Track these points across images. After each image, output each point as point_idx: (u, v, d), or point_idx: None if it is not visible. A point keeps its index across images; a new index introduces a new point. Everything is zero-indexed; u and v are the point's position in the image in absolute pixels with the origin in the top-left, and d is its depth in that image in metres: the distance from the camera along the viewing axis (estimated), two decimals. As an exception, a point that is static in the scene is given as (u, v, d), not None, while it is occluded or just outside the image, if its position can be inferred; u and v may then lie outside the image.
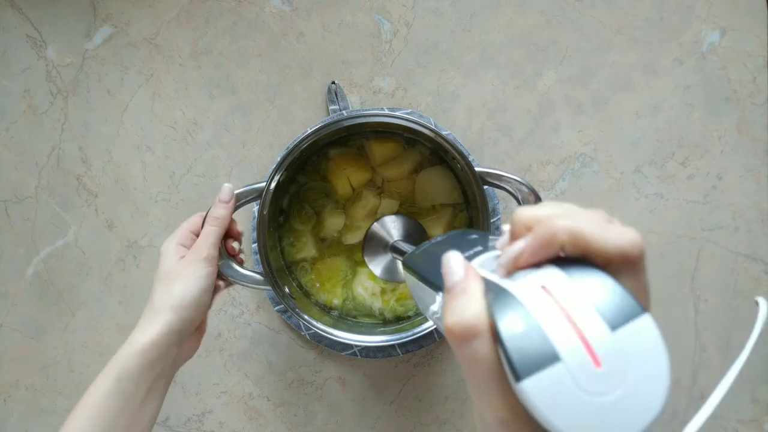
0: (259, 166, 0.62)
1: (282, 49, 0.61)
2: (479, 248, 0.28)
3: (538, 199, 0.48)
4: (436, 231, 0.57)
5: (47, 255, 0.63)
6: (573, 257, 0.23)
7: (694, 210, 0.59)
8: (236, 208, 0.48)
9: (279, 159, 0.51)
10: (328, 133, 0.52)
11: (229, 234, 0.48)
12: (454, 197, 0.58)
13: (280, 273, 0.56)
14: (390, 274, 0.56)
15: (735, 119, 0.59)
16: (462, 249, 0.27)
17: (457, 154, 0.51)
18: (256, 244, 0.54)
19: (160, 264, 0.45)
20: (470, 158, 0.53)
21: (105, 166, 0.63)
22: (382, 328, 0.57)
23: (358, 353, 0.59)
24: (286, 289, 0.55)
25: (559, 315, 0.21)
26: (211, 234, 0.46)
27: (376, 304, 0.58)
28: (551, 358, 0.20)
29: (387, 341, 0.54)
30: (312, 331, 0.59)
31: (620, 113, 0.59)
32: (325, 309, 0.59)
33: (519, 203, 0.48)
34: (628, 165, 0.59)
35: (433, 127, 0.51)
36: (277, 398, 0.62)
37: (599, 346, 0.20)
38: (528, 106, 0.60)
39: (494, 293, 0.22)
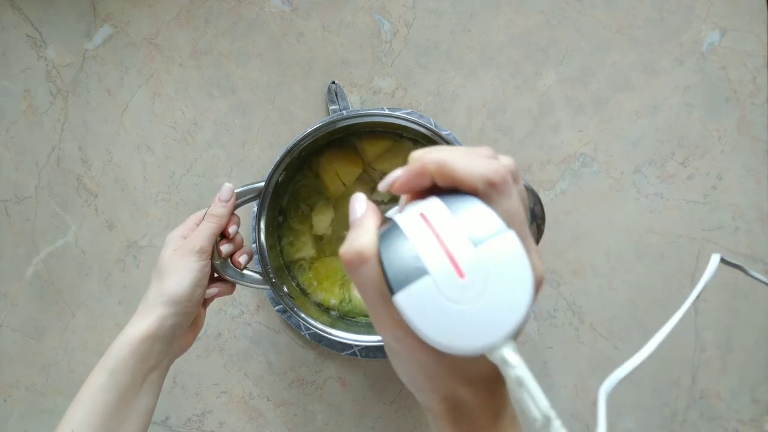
0: (259, 166, 0.62)
1: (282, 49, 0.61)
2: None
3: (537, 199, 0.48)
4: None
5: (47, 255, 0.63)
6: (452, 189, 0.25)
7: (694, 210, 0.59)
8: (236, 207, 0.49)
9: (278, 158, 0.51)
10: (327, 132, 0.52)
11: (223, 234, 0.48)
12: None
13: (280, 272, 0.56)
14: None
15: (735, 119, 0.59)
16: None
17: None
18: (255, 244, 0.54)
19: (160, 254, 0.46)
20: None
21: (105, 166, 0.63)
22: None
23: (357, 353, 0.59)
24: (285, 289, 0.55)
25: (430, 236, 0.23)
26: (207, 229, 0.46)
27: None
28: (420, 272, 0.22)
29: (387, 341, 0.54)
30: (312, 331, 0.59)
31: (620, 113, 0.59)
32: (323, 308, 0.59)
33: None
34: (628, 165, 0.59)
35: (432, 127, 0.51)
36: (277, 398, 0.62)
37: (463, 260, 0.22)
38: (528, 106, 0.60)
39: (386, 226, 0.25)
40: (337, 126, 0.52)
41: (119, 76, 0.62)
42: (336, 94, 0.59)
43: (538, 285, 0.25)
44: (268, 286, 0.51)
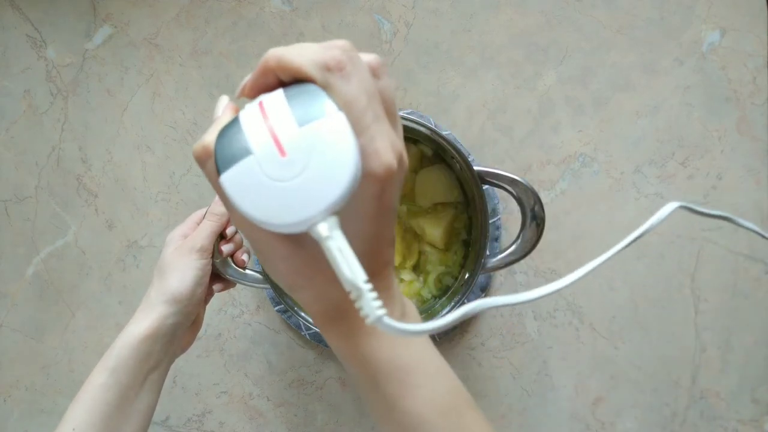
0: (259, 166, 0.62)
1: (282, 49, 0.61)
2: None
3: (537, 199, 0.48)
4: (437, 231, 0.57)
5: (47, 255, 0.63)
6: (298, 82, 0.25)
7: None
8: None
9: None
10: None
11: (222, 235, 0.48)
12: (455, 196, 0.58)
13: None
14: None
15: (735, 119, 0.59)
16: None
17: (455, 154, 0.51)
18: None
19: (161, 253, 0.45)
20: (470, 158, 0.53)
21: (105, 166, 0.63)
22: None
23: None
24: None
25: (260, 120, 0.24)
26: (207, 228, 0.46)
27: None
28: (244, 153, 0.23)
29: (387, 341, 0.54)
30: (312, 331, 0.59)
31: (620, 113, 0.59)
32: None
33: (518, 203, 0.48)
34: (628, 165, 0.59)
35: (432, 126, 0.51)
36: (277, 398, 0.62)
37: (286, 139, 0.23)
38: (528, 106, 0.60)
39: (230, 120, 0.25)
40: None
41: (119, 76, 0.62)
42: (336, 94, 0.59)
43: (385, 172, 0.24)
44: (268, 286, 0.51)
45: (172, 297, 0.43)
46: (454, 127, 0.60)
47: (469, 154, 0.58)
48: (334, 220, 0.23)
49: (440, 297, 0.59)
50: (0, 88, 0.63)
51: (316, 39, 0.61)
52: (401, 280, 0.58)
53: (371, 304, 0.22)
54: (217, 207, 0.47)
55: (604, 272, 0.60)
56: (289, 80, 0.25)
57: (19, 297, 0.63)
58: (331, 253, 0.23)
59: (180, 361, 0.48)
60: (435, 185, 0.57)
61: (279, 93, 0.25)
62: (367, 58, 0.26)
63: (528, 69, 0.60)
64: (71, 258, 0.63)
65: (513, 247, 0.49)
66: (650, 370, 0.59)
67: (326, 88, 0.24)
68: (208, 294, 0.48)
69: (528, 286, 0.60)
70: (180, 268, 0.44)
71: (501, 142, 0.60)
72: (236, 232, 0.49)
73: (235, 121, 0.25)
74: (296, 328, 0.61)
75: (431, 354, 0.29)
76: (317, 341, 0.60)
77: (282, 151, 0.23)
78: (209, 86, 0.62)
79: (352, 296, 0.23)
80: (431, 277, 0.59)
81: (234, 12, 0.61)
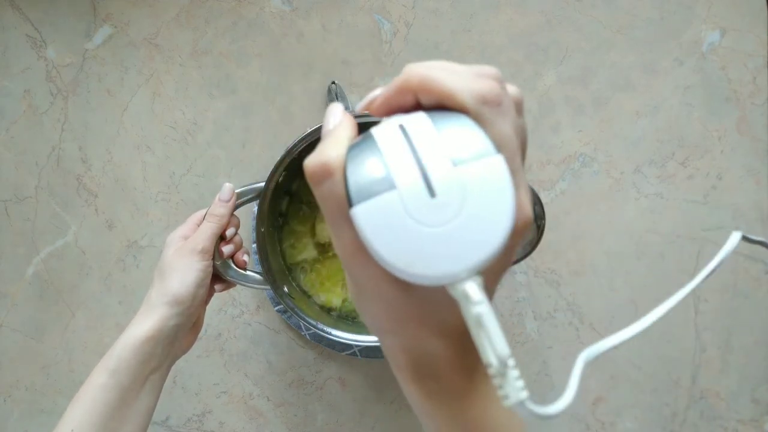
0: (259, 166, 0.62)
1: (282, 49, 0.61)
2: None
3: (537, 199, 0.48)
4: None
5: (47, 255, 0.63)
6: (444, 108, 0.22)
7: (694, 210, 0.59)
8: (236, 207, 0.49)
9: (279, 159, 0.51)
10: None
11: (222, 237, 0.48)
12: None
13: (280, 274, 0.56)
14: None
15: (735, 119, 0.59)
16: None
17: None
18: (255, 244, 0.54)
19: (162, 255, 0.45)
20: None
21: (105, 166, 0.63)
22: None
23: (358, 353, 0.59)
24: (286, 289, 0.55)
25: (406, 149, 0.20)
26: (208, 229, 0.46)
27: None
28: (387, 186, 0.20)
29: (387, 341, 0.54)
30: (312, 331, 0.59)
31: (620, 113, 0.59)
32: (325, 309, 0.59)
33: None
34: (628, 165, 0.59)
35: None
36: (277, 398, 0.62)
37: (438, 178, 0.20)
38: (528, 106, 0.60)
39: (359, 138, 0.22)
40: None
41: (119, 76, 0.62)
42: (336, 95, 0.59)
43: (523, 226, 0.22)
44: (268, 287, 0.51)
45: (173, 299, 0.43)
46: (454, 127, 0.60)
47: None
48: (480, 281, 0.20)
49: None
50: (0, 88, 0.63)
51: (316, 39, 0.61)
52: None
53: (514, 385, 0.19)
54: (218, 208, 0.47)
55: (604, 272, 0.60)
56: (431, 104, 0.22)
57: (19, 297, 0.63)
58: (475, 320, 0.19)
59: (180, 361, 0.48)
60: None
61: (424, 118, 0.21)
62: (512, 90, 0.23)
63: (528, 69, 0.60)
64: (71, 258, 0.63)
65: None
66: (650, 370, 0.59)
67: (480, 122, 0.21)
68: (209, 295, 0.48)
69: (528, 286, 0.60)
70: (181, 269, 0.44)
71: (501, 142, 0.60)
72: (236, 234, 0.49)
73: (369, 142, 0.21)
74: (296, 328, 0.61)
75: (514, 414, 0.26)
76: (317, 341, 0.60)
77: (432, 192, 0.19)
78: (209, 86, 0.62)
79: (491, 371, 0.19)
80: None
81: (234, 12, 0.61)
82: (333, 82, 0.60)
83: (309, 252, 0.58)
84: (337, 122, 0.23)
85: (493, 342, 0.19)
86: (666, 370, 0.59)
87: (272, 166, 0.51)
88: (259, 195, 0.50)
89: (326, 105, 0.60)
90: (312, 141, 0.52)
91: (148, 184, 0.62)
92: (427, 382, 0.24)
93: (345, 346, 0.59)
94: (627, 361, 0.59)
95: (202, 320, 0.49)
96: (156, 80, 0.62)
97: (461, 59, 0.60)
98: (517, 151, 0.22)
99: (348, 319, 0.59)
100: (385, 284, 0.22)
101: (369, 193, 0.20)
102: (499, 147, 0.21)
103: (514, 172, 0.21)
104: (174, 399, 0.62)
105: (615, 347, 0.24)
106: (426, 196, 0.19)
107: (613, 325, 0.60)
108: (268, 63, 0.61)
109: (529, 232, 0.22)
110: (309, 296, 0.59)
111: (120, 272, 0.63)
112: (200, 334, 0.50)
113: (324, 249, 0.59)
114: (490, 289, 0.23)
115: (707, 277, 0.31)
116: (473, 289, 0.19)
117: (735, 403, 0.59)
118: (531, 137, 0.60)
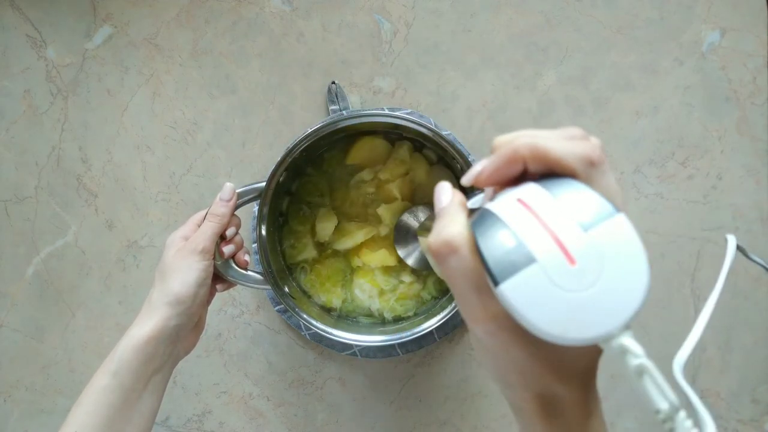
0: (259, 166, 0.62)
1: (282, 49, 0.61)
2: (478, 192, 0.29)
3: None
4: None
5: (47, 255, 0.63)
6: (548, 174, 0.24)
7: (694, 210, 0.59)
8: (237, 207, 0.49)
9: (279, 159, 0.51)
10: (329, 133, 0.52)
11: (222, 236, 0.48)
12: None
13: (281, 274, 0.56)
14: (422, 263, 0.57)
15: (735, 119, 0.59)
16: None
17: (456, 155, 0.51)
18: (255, 244, 0.54)
19: (162, 256, 0.45)
20: (470, 158, 0.53)
21: (105, 166, 0.63)
22: (381, 328, 0.57)
23: (358, 353, 0.59)
24: (286, 289, 0.55)
25: (533, 221, 0.22)
26: (208, 229, 0.46)
27: (375, 305, 0.58)
28: (527, 260, 0.21)
29: (387, 341, 0.54)
30: (312, 331, 0.59)
31: (620, 113, 0.59)
32: (325, 309, 0.59)
33: None
34: (628, 165, 0.59)
35: (432, 126, 0.51)
36: (277, 398, 0.62)
37: (573, 246, 0.21)
38: (528, 106, 0.60)
39: (477, 214, 0.24)
40: (338, 126, 0.52)
41: (119, 76, 0.62)
42: (336, 95, 0.59)
43: None
44: (269, 287, 0.51)
45: (174, 299, 0.43)
46: (454, 127, 0.60)
47: (470, 155, 0.58)
48: (631, 333, 0.21)
49: (440, 298, 0.59)
50: (0, 88, 0.63)
51: (316, 39, 0.61)
52: (401, 282, 0.58)
53: (684, 425, 0.21)
54: (218, 208, 0.47)
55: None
56: (539, 171, 0.24)
57: (19, 297, 0.63)
58: (637, 370, 0.21)
59: (180, 361, 0.48)
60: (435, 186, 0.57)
61: (537, 187, 0.23)
62: (597, 142, 0.25)
63: (528, 69, 0.60)
64: (71, 258, 0.63)
65: None
66: (650, 370, 0.59)
67: (589, 183, 0.23)
68: (211, 295, 0.48)
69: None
70: (182, 269, 0.44)
71: (501, 142, 0.60)
72: (236, 233, 0.49)
73: (491, 219, 0.22)
74: (296, 328, 0.61)
75: None
76: (317, 341, 0.60)
77: (571, 260, 0.21)
78: (209, 86, 0.62)
79: (660, 417, 0.21)
80: (431, 279, 0.59)
81: (234, 12, 0.61)
82: (333, 82, 0.60)
83: (309, 252, 0.58)
84: (449, 200, 0.26)
85: (662, 389, 0.21)
86: (666, 370, 0.59)
87: (272, 166, 0.51)
88: (260, 195, 0.50)
89: (326, 105, 0.60)
90: (314, 140, 0.52)
91: (148, 184, 0.62)
92: (555, 421, 0.26)
93: (345, 346, 0.59)
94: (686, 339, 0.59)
95: (204, 320, 0.49)
96: (156, 80, 0.62)
97: (461, 59, 0.60)
98: (623, 199, 0.23)
99: (348, 319, 0.59)
100: (517, 348, 0.23)
101: (512, 270, 0.21)
102: (613, 202, 0.22)
103: None
104: (174, 399, 0.62)
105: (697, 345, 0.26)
106: (566, 264, 0.21)
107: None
108: (268, 63, 0.61)
109: None
110: (309, 296, 0.59)
111: (120, 272, 0.63)
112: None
113: (323, 248, 0.59)
114: None
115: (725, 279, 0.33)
116: (631, 343, 0.21)
117: (735, 403, 0.59)
118: (531, 137, 0.60)
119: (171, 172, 0.62)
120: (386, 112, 0.53)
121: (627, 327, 0.21)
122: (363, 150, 0.58)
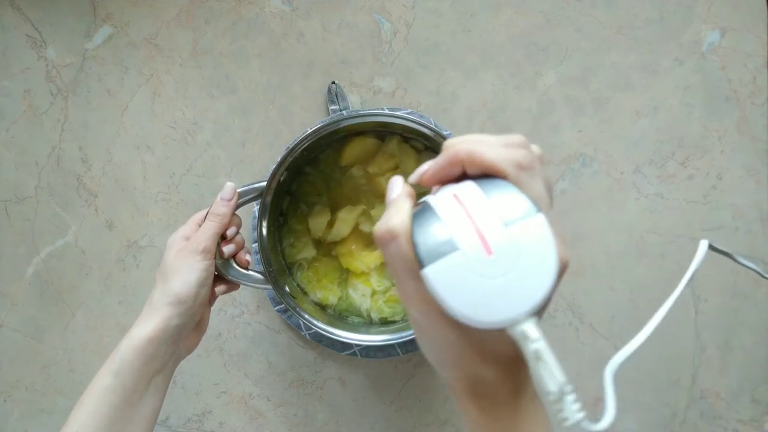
0: (259, 166, 0.62)
1: (282, 49, 0.61)
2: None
3: None
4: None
5: (47, 255, 0.63)
6: (483, 176, 0.26)
7: (694, 210, 0.59)
8: (237, 207, 0.49)
9: (280, 158, 0.51)
10: (328, 133, 0.52)
11: (224, 235, 0.48)
12: None
13: (281, 273, 0.56)
14: None
15: (735, 119, 0.59)
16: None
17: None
18: (256, 244, 0.54)
19: (163, 256, 0.45)
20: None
21: (105, 166, 0.63)
22: (366, 329, 0.56)
23: (358, 353, 0.59)
24: (287, 288, 0.55)
25: (462, 215, 0.24)
26: (209, 229, 0.46)
27: (365, 304, 0.58)
28: (450, 248, 0.24)
29: (387, 341, 0.54)
30: (312, 331, 0.59)
31: (620, 113, 0.59)
32: (321, 306, 0.59)
33: None
34: (628, 165, 0.59)
35: (432, 126, 0.51)
36: (277, 398, 0.62)
37: (492, 238, 0.23)
38: (528, 106, 0.60)
39: (419, 207, 0.26)
40: (339, 126, 0.52)
41: (119, 76, 0.62)
42: (336, 95, 0.59)
43: (563, 268, 0.25)
44: (269, 286, 0.51)
45: (176, 299, 0.43)
46: (454, 127, 0.60)
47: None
48: (534, 321, 0.23)
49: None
50: (0, 88, 0.63)
51: (316, 39, 0.61)
52: (393, 284, 0.58)
53: (571, 408, 0.23)
54: (219, 207, 0.47)
55: (604, 272, 0.60)
56: (476, 173, 0.26)
57: (19, 297, 0.63)
58: (534, 354, 0.23)
59: (180, 361, 0.48)
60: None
61: (472, 185, 0.25)
62: (536, 150, 0.28)
63: (528, 69, 0.60)
64: (71, 258, 0.63)
65: None
66: (650, 370, 0.59)
67: (518, 185, 0.26)
68: (212, 296, 0.48)
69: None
70: (183, 270, 0.44)
71: (501, 142, 0.60)
72: (237, 233, 0.49)
73: (429, 211, 0.25)
74: (296, 328, 0.61)
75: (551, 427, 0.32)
76: (317, 341, 0.60)
77: (489, 250, 0.23)
78: (209, 86, 0.62)
79: (551, 398, 0.23)
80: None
81: (234, 12, 0.61)
82: (333, 82, 0.60)
83: (308, 251, 0.58)
84: (399, 192, 0.29)
85: (553, 372, 0.23)
86: (666, 370, 0.59)
87: (272, 166, 0.51)
88: (260, 194, 0.50)
89: (326, 105, 0.60)
90: (314, 140, 0.52)
91: (148, 184, 0.62)
92: (482, 400, 0.28)
93: (345, 346, 0.59)
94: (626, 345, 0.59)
95: (207, 321, 0.48)
96: (156, 80, 0.62)
97: (461, 59, 0.60)
98: (549, 204, 0.27)
99: (342, 318, 0.58)
100: (446, 328, 0.26)
101: (436, 255, 0.24)
102: (536, 204, 0.25)
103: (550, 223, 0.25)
104: (174, 399, 0.62)
105: (632, 354, 0.28)
106: (484, 254, 0.23)
107: (613, 325, 0.60)
108: (268, 63, 0.61)
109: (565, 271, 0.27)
110: (305, 293, 0.59)
111: (120, 272, 0.63)
112: (200, 334, 0.49)
113: (322, 247, 0.59)
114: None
115: (687, 283, 0.35)
116: (531, 329, 0.23)
117: (735, 403, 0.59)
118: (531, 137, 0.60)
119: (171, 172, 0.62)
120: (386, 111, 0.53)
121: (532, 315, 0.23)
122: (355, 149, 0.57)
